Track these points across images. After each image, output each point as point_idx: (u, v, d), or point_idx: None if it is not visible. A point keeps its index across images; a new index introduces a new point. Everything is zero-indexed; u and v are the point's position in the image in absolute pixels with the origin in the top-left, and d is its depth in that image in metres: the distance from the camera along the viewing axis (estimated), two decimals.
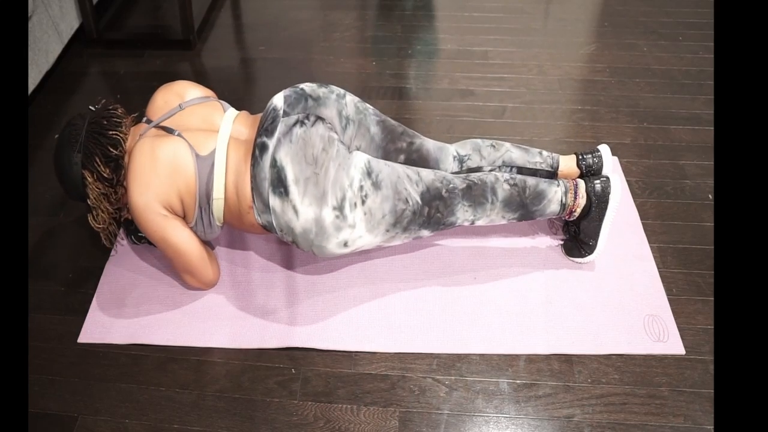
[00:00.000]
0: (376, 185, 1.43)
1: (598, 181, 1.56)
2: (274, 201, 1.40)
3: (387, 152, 1.59)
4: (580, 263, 1.66)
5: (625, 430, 1.35)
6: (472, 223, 1.55)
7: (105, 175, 1.45)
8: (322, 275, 1.65)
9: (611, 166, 1.65)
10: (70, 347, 1.52)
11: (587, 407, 1.39)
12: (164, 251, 1.49)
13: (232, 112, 1.55)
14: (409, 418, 1.38)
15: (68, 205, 1.87)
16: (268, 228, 1.46)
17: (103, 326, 1.55)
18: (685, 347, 1.49)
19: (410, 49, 2.49)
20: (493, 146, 1.65)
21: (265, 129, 1.43)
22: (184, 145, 1.43)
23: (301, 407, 1.41)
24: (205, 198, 1.45)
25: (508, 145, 1.66)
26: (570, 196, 1.56)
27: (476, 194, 1.51)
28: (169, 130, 1.47)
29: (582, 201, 1.56)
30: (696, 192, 1.87)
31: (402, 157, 1.59)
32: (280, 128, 1.41)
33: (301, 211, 1.39)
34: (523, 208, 1.55)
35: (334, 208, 1.39)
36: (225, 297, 1.60)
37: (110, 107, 1.54)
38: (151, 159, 1.41)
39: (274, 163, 1.39)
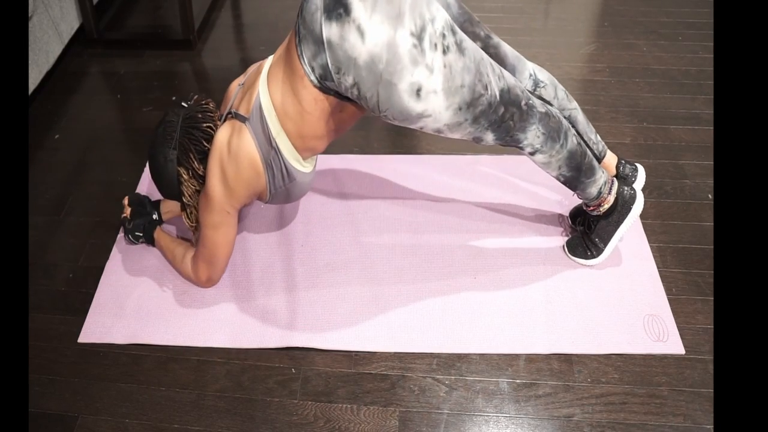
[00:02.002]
0: (460, 48, 1.20)
1: (628, 188, 1.58)
2: (329, 29, 1.15)
3: (465, 31, 1.40)
4: (581, 264, 1.66)
5: (624, 430, 1.35)
6: (532, 154, 1.42)
7: (199, 172, 1.44)
8: (322, 275, 1.65)
9: (641, 186, 1.66)
10: (70, 347, 1.52)
11: (587, 407, 1.39)
12: (204, 238, 1.49)
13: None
14: (409, 417, 1.38)
15: (68, 204, 1.87)
16: (324, 86, 1.25)
17: (103, 326, 1.55)
18: (685, 347, 1.49)
19: None
20: (567, 95, 1.58)
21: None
22: (246, 134, 1.37)
23: (301, 407, 1.41)
24: (268, 148, 1.36)
25: (576, 104, 1.59)
26: (606, 188, 1.56)
27: (553, 127, 1.39)
28: (228, 114, 1.44)
29: (611, 199, 1.57)
30: (696, 192, 1.87)
31: (479, 44, 1.42)
32: None
33: (369, 30, 1.13)
34: (577, 171, 1.48)
35: (412, 35, 1.14)
36: (225, 297, 1.60)
37: (203, 102, 1.51)
38: (230, 159, 1.38)
39: None
